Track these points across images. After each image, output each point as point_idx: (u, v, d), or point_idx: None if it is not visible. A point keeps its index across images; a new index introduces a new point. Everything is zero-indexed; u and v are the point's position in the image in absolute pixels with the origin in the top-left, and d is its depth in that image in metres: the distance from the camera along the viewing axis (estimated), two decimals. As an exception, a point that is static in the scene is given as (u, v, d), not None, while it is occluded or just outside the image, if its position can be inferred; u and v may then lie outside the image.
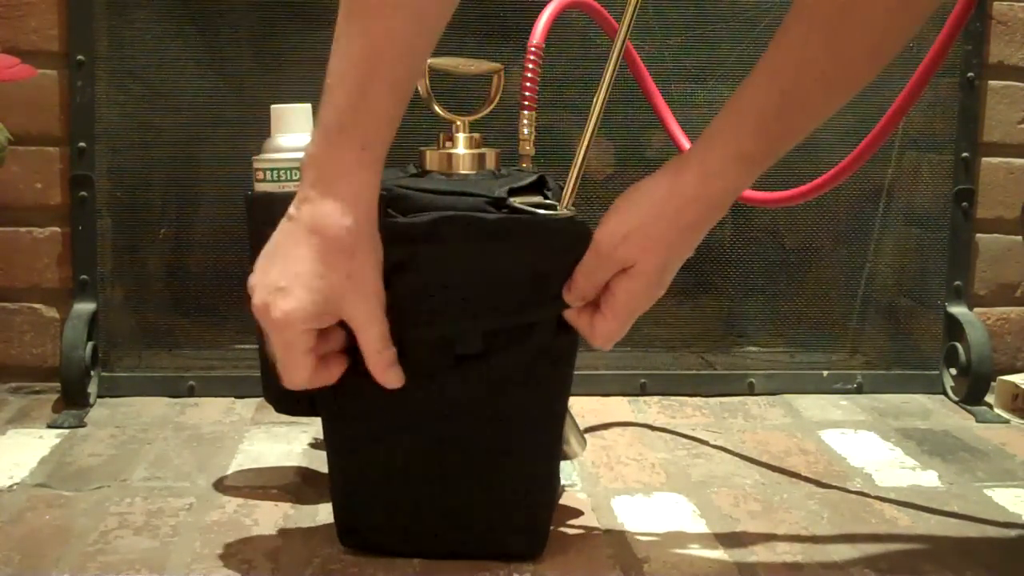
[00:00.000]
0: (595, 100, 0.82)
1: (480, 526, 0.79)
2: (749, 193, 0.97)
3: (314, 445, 1.04)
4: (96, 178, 1.18)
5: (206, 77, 1.22)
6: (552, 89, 1.19)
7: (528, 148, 0.90)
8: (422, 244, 0.76)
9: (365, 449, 0.79)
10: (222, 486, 0.94)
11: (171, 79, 1.22)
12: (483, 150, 0.87)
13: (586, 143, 0.82)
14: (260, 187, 0.89)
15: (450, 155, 0.86)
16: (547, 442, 0.80)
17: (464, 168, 0.86)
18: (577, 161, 0.82)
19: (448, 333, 0.76)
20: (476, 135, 0.88)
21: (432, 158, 0.87)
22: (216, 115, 1.22)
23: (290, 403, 0.91)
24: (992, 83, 1.27)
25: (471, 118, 0.88)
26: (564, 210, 0.81)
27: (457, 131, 0.87)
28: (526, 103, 0.89)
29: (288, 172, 0.88)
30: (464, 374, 0.77)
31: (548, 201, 0.82)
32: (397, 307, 0.75)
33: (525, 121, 0.89)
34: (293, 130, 0.89)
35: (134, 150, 1.22)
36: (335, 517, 0.82)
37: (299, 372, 0.74)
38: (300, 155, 0.87)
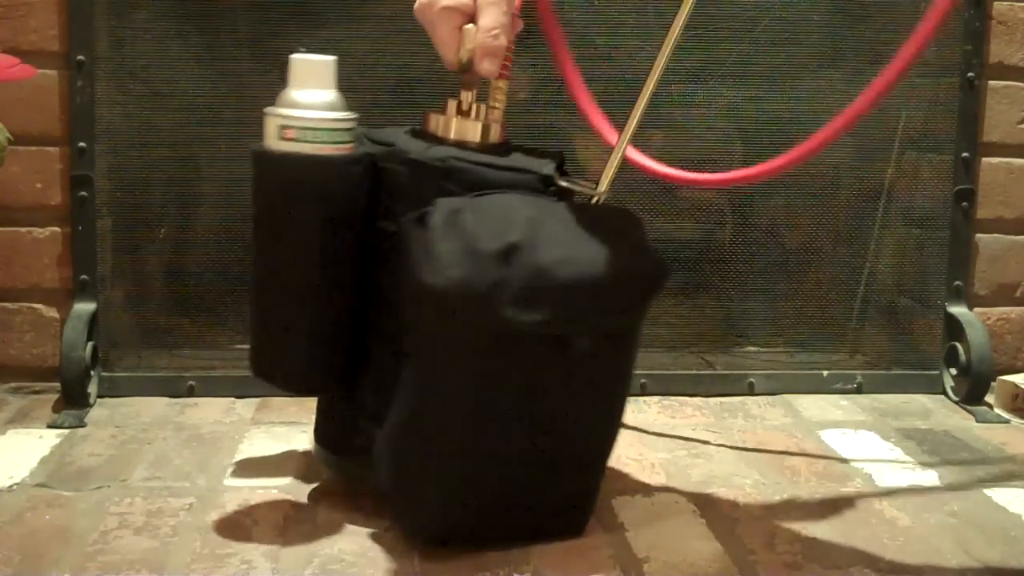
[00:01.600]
0: (644, 87, 0.83)
1: (545, 507, 0.82)
2: (715, 177, 0.97)
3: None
4: (96, 178, 1.18)
5: (206, 77, 1.22)
6: (552, 89, 1.19)
7: (498, 116, 0.88)
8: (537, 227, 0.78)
9: (468, 440, 0.79)
10: (222, 486, 0.94)
11: (171, 79, 1.22)
12: (489, 122, 0.87)
13: (632, 125, 0.85)
14: (284, 146, 0.81)
15: (460, 123, 0.85)
16: (616, 421, 0.84)
17: (470, 137, 0.86)
18: (621, 145, 0.84)
19: (563, 331, 0.77)
20: (484, 105, 0.87)
21: (439, 123, 0.86)
22: (216, 115, 1.22)
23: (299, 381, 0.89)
24: (992, 83, 1.27)
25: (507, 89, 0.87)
26: (602, 190, 0.84)
27: (469, 100, 0.86)
28: (502, 72, 0.88)
29: (328, 133, 0.81)
30: (557, 357, 0.78)
31: (587, 182, 0.85)
32: (510, 286, 0.75)
33: (499, 90, 0.88)
34: (315, 86, 0.82)
35: (134, 150, 1.22)
36: (428, 518, 0.81)
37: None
38: (335, 115, 0.82)
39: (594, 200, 0.85)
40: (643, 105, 0.84)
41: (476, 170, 0.81)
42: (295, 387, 0.90)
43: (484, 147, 0.85)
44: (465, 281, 0.74)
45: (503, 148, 0.86)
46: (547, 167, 0.83)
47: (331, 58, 0.83)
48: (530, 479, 0.81)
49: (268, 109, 0.83)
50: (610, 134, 0.98)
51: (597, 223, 0.80)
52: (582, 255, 0.77)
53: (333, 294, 0.83)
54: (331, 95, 0.83)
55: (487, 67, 0.83)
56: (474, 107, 0.86)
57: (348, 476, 0.91)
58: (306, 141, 0.81)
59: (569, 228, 0.78)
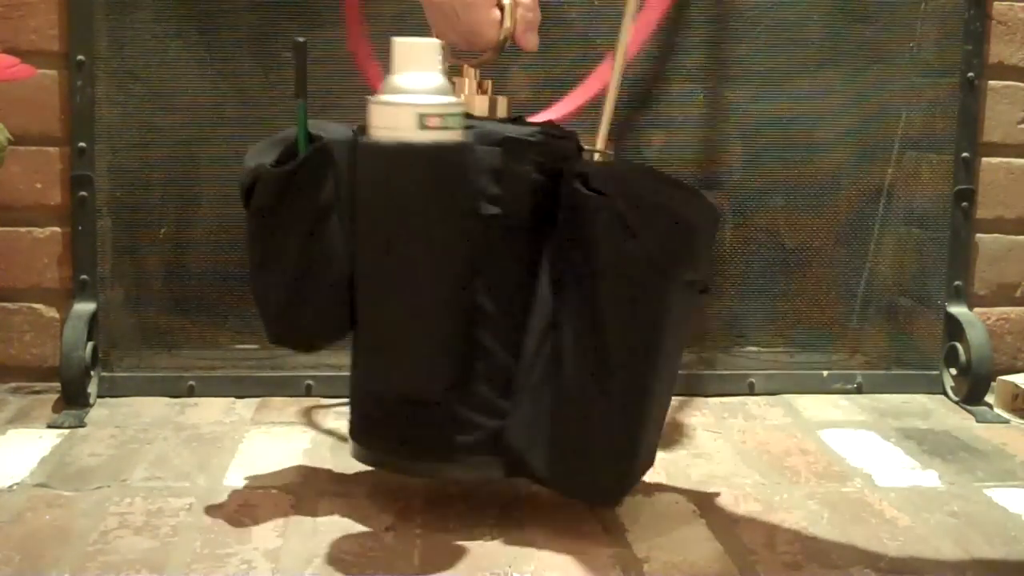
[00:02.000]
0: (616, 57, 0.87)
1: (650, 444, 0.88)
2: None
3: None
4: (96, 178, 1.18)
5: (206, 77, 1.22)
6: (552, 89, 1.19)
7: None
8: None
9: (646, 399, 0.83)
10: (222, 486, 0.94)
11: (171, 79, 1.22)
12: (496, 96, 0.88)
13: (613, 90, 0.88)
14: (431, 135, 0.76)
15: (480, 100, 0.86)
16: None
17: (481, 111, 0.86)
18: (608, 108, 0.88)
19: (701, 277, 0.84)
20: (488, 80, 0.88)
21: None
22: (216, 115, 1.22)
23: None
24: (992, 83, 1.27)
25: (477, 62, 0.87)
26: (601, 148, 0.89)
27: (471, 77, 0.87)
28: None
29: (460, 119, 0.78)
30: (690, 300, 0.85)
31: (597, 149, 0.90)
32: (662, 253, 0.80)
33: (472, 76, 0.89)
34: (435, 69, 0.78)
35: (134, 150, 1.22)
36: (613, 481, 0.84)
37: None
38: (458, 99, 0.80)
39: (597, 157, 0.88)
40: (620, 67, 0.88)
41: (552, 142, 0.84)
42: (439, 395, 0.82)
43: (507, 119, 0.87)
44: (671, 241, 0.79)
45: (521, 120, 0.88)
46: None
47: (437, 40, 0.79)
48: (657, 421, 0.87)
49: (394, 98, 0.77)
50: None
51: (651, 174, 0.85)
52: (688, 202, 0.82)
53: (468, 288, 0.81)
54: (443, 78, 0.79)
55: (533, 40, 0.86)
56: (486, 84, 0.87)
57: (446, 478, 0.87)
58: (448, 128, 0.76)
59: (651, 181, 0.84)
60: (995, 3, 1.25)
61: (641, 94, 1.23)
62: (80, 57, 1.16)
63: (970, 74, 1.25)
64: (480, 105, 0.86)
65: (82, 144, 1.17)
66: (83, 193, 1.18)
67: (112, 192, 1.21)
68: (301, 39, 0.83)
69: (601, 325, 0.80)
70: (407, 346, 0.80)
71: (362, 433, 0.89)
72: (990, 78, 1.27)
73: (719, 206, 0.87)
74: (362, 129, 0.82)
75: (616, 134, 1.26)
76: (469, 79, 0.86)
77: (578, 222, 0.80)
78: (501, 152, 0.81)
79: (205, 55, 1.21)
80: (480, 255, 0.82)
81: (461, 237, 0.79)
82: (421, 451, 0.85)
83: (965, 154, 1.26)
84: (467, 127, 0.81)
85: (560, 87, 1.19)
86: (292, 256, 0.84)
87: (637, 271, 0.79)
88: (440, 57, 0.79)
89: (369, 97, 0.79)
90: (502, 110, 0.87)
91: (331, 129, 0.86)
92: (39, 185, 1.19)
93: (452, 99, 0.79)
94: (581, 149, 0.87)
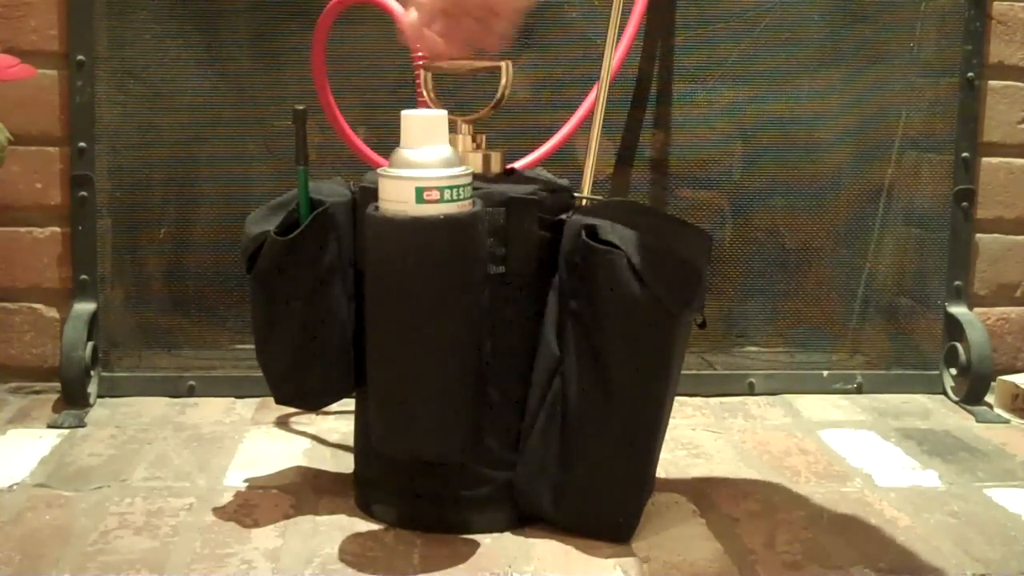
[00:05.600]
0: (597, 105, 0.85)
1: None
2: None
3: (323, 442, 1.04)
4: (96, 178, 1.18)
5: (206, 77, 1.22)
6: (552, 89, 1.19)
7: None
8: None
9: (659, 431, 0.86)
10: (222, 486, 0.94)
11: (171, 79, 1.22)
12: (489, 151, 0.87)
13: (595, 141, 0.90)
14: (431, 208, 0.76)
15: (475, 158, 0.86)
16: None
17: (486, 168, 0.87)
18: (591, 155, 0.90)
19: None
20: (481, 135, 0.87)
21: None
22: (216, 115, 1.22)
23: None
24: (992, 83, 1.27)
25: (471, 118, 0.87)
26: (587, 193, 0.91)
27: (460, 131, 0.86)
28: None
29: (468, 189, 0.78)
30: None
31: (587, 196, 0.92)
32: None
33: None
34: (438, 142, 0.78)
35: (134, 150, 1.22)
36: (632, 517, 0.84)
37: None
38: (465, 169, 0.79)
39: (584, 202, 0.89)
40: (601, 114, 0.90)
41: (551, 196, 0.85)
42: (457, 456, 0.82)
43: (502, 174, 0.87)
44: (679, 286, 0.81)
45: (514, 173, 0.88)
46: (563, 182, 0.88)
47: (444, 112, 0.80)
48: (659, 450, 0.88)
49: (396, 172, 0.77)
50: (370, 153, 1.06)
51: (647, 212, 0.86)
52: (685, 238, 0.83)
53: (483, 352, 0.81)
54: (451, 149, 0.79)
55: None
56: (480, 138, 0.87)
57: (458, 531, 0.86)
58: (452, 200, 0.77)
59: (648, 220, 0.84)
60: (995, 3, 1.25)
61: (641, 94, 1.23)
62: (80, 57, 1.16)
63: (970, 74, 1.25)
64: (475, 162, 0.85)
65: (82, 144, 1.17)
66: (83, 193, 1.18)
67: (112, 192, 1.21)
68: (301, 107, 0.84)
69: (608, 369, 0.81)
70: (424, 412, 0.79)
71: (370, 487, 0.89)
72: (990, 78, 1.26)
73: (707, 234, 0.86)
74: (363, 190, 0.83)
75: (616, 135, 1.26)
76: (463, 135, 0.85)
77: (586, 272, 0.81)
78: (505, 213, 0.82)
79: (205, 55, 1.21)
80: (488, 314, 0.82)
81: (473, 304, 0.79)
82: (432, 505, 0.86)
83: (965, 154, 1.26)
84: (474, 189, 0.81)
85: (559, 87, 1.19)
86: (296, 319, 0.86)
87: (646, 316, 0.80)
88: (443, 129, 0.79)
89: (379, 170, 0.79)
90: (496, 165, 0.87)
91: (329, 191, 0.87)
92: (39, 185, 1.19)
93: (458, 170, 0.78)
94: (573, 198, 0.88)
